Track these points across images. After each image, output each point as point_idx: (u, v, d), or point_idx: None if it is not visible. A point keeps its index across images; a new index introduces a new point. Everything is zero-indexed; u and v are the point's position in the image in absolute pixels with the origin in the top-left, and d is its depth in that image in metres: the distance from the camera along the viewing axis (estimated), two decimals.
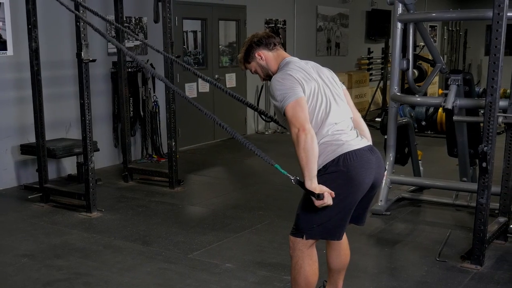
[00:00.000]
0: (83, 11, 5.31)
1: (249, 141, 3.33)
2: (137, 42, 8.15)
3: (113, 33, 7.52)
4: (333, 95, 3.25)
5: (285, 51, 3.50)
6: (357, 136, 3.24)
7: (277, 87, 3.14)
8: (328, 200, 3.02)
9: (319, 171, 3.10)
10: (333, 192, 3.04)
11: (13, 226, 5.49)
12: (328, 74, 3.36)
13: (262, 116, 4.29)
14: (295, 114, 3.03)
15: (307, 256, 3.22)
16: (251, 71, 3.48)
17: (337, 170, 3.09)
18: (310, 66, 3.32)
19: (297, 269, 3.24)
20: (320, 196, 3.01)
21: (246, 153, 9.02)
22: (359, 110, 3.68)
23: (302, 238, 3.19)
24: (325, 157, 3.11)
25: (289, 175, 3.09)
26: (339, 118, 3.19)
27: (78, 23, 5.46)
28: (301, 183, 3.06)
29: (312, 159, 2.99)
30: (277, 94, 3.11)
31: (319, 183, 3.05)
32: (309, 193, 3.04)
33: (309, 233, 3.18)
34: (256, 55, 3.39)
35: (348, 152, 3.11)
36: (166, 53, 5.34)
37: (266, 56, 3.38)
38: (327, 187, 3.05)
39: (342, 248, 3.49)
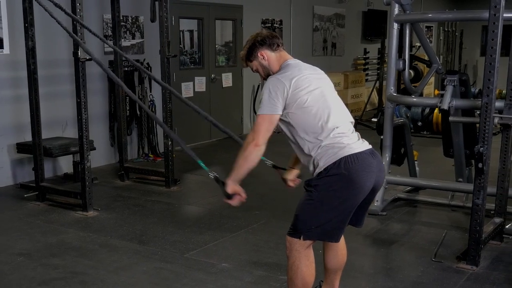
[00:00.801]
0: (80, 16, 5.32)
1: (178, 136, 3.50)
2: (134, 41, 8.15)
3: (110, 32, 7.51)
4: (333, 99, 3.26)
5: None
6: (359, 139, 3.24)
7: (266, 91, 3.19)
8: (235, 202, 3.24)
9: (320, 173, 3.11)
10: (244, 197, 3.23)
11: (9, 224, 5.48)
12: (325, 78, 3.36)
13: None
14: (261, 125, 3.16)
15: (304, 256, 3.22)
16: (252, 69, 3.48)
17: (338, 173, 3.09)
18: (311, 70, 3.33)
19: (294, 270, 3.24)
20: (230, 196, 3.21)
21: None
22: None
23: (300, 238, 3.19)
24: (326, 160, 3.11)
25: (209, 172, 3.36)
26: (339, 121, 3.20)
27: (74, 22, 5.45)
28: (219, 181, 3.28)
29: (246, 168, 3.16)
30: (263, 98, 3.18)
31: (319, 185, 3.08)
32: (223, 191, 3.21)
33: (307, 234, 3.18)
34: (259, 54, 3.38)
35: (349, 155, 3.11)
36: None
37: (268, 56, 3.38)
38: (327, 189, 3.07)
39: (339, 249, 3.50)
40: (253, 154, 3.12)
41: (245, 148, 3.14)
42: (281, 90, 3.14)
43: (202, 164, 3.39)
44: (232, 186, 3.20)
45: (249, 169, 3.16)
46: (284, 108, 3.16)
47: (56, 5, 5.02)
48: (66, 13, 5.18)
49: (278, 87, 3.15)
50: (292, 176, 3.63)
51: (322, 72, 3.42)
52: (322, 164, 3.11)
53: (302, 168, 3.48)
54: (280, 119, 3.20)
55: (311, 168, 3.19)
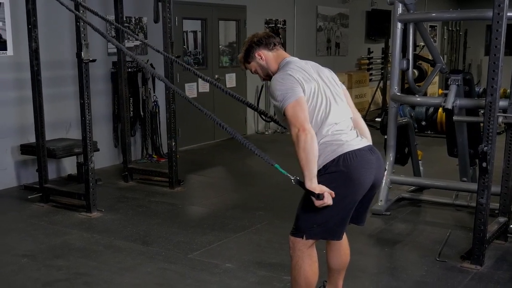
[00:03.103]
0: (83, 11, 5.31)
1: (249, 141, 3.34)
2: (137, 42, 8.15)
3: (113, 33, 7.51)
4: (333, 95, 3.25)
5: (285, 51, 3.50)
6: (357, 136, 3.24)
7: (277, 87, 3.14)
8: (328, 200, 3.02)
9: (319, 171, 3.10)
10: (333, 192, 3.04)
11: (13, 226, 5.49)
12: (328, 74, 3.35)
13: (262, 116, 4.30)
14: (295, 114, 3.04)
15: (307, 256, 3.22)
16: (251, 71, 3.48)
17: (337, 170, 3.08)
18: (310, 66, 3.32)
19: (297, 269, 3.24)
20: (320, 196, 3.01)
21: (246, 153, 9.00)
22: (359, 110, 3.69)
23: (302, 238, 3.19)
24: (325, 157, 3.11)
25: (289, 175, 3.10)
26: (339, 118, 3.19)
27: (78, 23, 5.46)
28: (301, 183, 3.06)
29: (312, 159, 3.00)
30: (277, 94, 3.11)
31: (319, 183, 3.05)
32: (309, 193, 3.04)
33: (309, 233, 3.18)
34: (256, 55, 3.39)
35: (348, 152, 3.11)
36: (166, 53, 5.34)
37: (266, 56, 3.38)
38: (327, 187, 3.05)
39: (342, 248, 3.49)
40: (307, 141, 2.97)
41: (297, 142, 2.99)
42: (291, 79, 3.14)
43: (279, 168, 3.16)
44: (315, 186, 3.02)
45: (315, 157, 3.00)
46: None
47: (91, 10, 4.93)
48: (72, 13, 5.17)
49: (287, 79, 3.15)
50: None
51: (323, 67, 3.40)
52: (321, 162, 3.11)
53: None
54: (284, 115, 3.17)
55: None
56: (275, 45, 3.40)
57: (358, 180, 3.10)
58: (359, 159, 3.11)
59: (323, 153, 3.11)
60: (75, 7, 5.31)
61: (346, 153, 3.10)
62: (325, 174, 3.10)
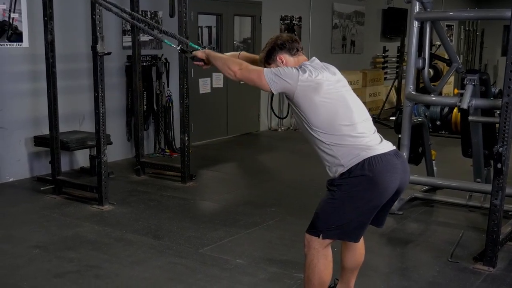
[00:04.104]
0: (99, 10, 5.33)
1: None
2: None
3: (128, 27, 7.52)
4: (353, 98, 3.23)
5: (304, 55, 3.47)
6: (382, 141, 3.20)
7: (287, 67, 3.24)
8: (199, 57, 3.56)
9: (342, 174, 3.08)
10: (204, 54, 3.53)
11: (25, 217, 5.51)
12: (343, 77, 3.33)
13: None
14: (254, 75, 3.21)
15: (322, 255, 3.19)
16: None
17: (362, 174, 3.05)
18: (331, 69, 3.29)
19: (311, 268, 3.22)
20: (194, 59, 3.60)
21: (259, 150, 9.01)
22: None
23: (318, 237, 3.17)
24: (349, 161, 3.08)
25: (174, 46, 3.78)
26: (361, 121, 3.16)
27: (94, 16, 5.46)
28: (184, 51, 3.77)
29: (218, 64, 3.42)
30: (279, 69, 3.19)
31: (343, 184, 3.07)
32: (190, 57, 3.66)
33: (327, 233, 3.15)
34: (278, 58, 3.35)
35: (373, 156, 3.07)
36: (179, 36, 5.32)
37: (287, 61, 3.34)
38: (351, 190, 3.05)
39: (358, 248, 3.47)
40: (227, 70, 3.30)
41: (233, 65, 3.29)
42: (309, 70, 3.15)
43: (168, 42, 3.91)
44: (201, 53, 3.56)
45: (218, 66, 3.40)
46: (302, 104, 3.12)
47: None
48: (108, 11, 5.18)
49: (301, 68, 3.17)
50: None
51: (337, 70, 3.39)
52: (345, 165, 3.08)
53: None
54: (302, 117, 3.15)
55: (333, 167, 3.14)
56: (298, 50, 3.37)
57: (383, 184, 3.07)
58: (384, 163, 3.08)
59: (347, 156, 3.08)
60: (91, 6, 5.32)
61: (371, 157, 3.07)
62: (350, 177, 3.07)
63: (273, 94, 3.17)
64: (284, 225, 5.34)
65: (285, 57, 3.35)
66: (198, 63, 3.64)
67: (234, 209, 5.85)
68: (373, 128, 3.25)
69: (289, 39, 3.39)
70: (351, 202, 3.09)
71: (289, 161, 7.49)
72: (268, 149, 8.96)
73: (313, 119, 3.13)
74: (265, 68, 3.21)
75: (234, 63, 3.29)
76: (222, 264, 4.41)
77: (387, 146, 3.18)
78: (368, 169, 3.05)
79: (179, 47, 3.81)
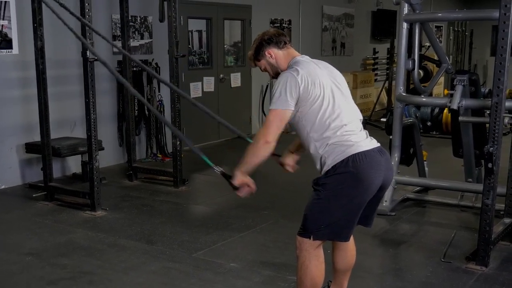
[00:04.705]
0: (88, 16, 5.33)
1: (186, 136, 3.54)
2: (142, 42, 8.16)
3: (118, 32, 7.52)
4: (344, 96, 3.24)
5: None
6: (367, 137, 3.22)
7: (280, 84, 3.15)
8: (243, 194, 3.23)
9: (328, 171, 3.10)
10: (253, 188, 3.22)
11: (18, 224, 5.50)
12: (337, 74, 3.35)
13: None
14: (272, 122, 3.12)
15: (314, 256, 3.21)
16: (260, 68, 3.47)
17: (346, 171, 3.07)
18: (321, 66, 3.31)
19: (303, 270, 3.23)
20: (236, 188, 3.20)
21: None
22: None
23: (309, 238, 3.18)
24: (334, 158, 3.10)
25: (213, 166, 3.37)
26: (348, 119, 3.18)
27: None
28: (225, 175, 3.27)
29: (254, 163, 3.17)
30: (276, 92, 3.14)
31: (327, 183, 3.08)
32: (230, 183, 3.22)
33: (317, 233, 3.17)
34: (266, 53, 3.37)
35: (357, 153, 3.09)
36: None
37: (276, 55, 3.36)
38: (336, 188, 3.07)
39: (349, 249, 3.48)
40: (262, 150, 3.12)
41: (255, 144, 3.14)
42: (294, 85, 3.11)
43: (207, 160, 3.42)
44: (239, 177, 3.20)
45: (256, 164, 3.16)
46: (296, 104, 3.13)
47: (62, 5, 5.03)
48: (73, 15, 5.19)
49: (290, 83, 3.12)
50: (290, 160, 3.64)
51: (333, 67, 3.40)
52: (330, 162, 3.10)
53: (305, 156, 3.45)
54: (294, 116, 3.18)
55: (318, 166, 3.17)
56: (285, 43, 3.38)
57: (367, 181, 3.09)
58: (368, 160, 3.10)
59: (332, 153, 3.11)
60: (80, 11, 5.32)
61: (355, 154, 3.09)
62: (334, 174, 3.09)
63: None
64: (277, 228, 5.35)
65: (273, 51, 3.37)
66: (243, 193, 3.25)
67: (227, 212, 5.86)
68: (360, 125, 3.28)
69: (276, 33, 3.41)
70: (337, 200, 3.11)
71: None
72: None
73: (303, 116, 3.16)
74: (271, 112, 3.16)
75: (255, 141, 3.16)
76: (215, 268, 4.41)
77: (372, 143, 3.21)
78: (352, 166, 3.07)
79: (217, 169, 3.37)
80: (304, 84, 3.11)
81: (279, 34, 3.41)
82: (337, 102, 3.18)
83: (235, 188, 3.21)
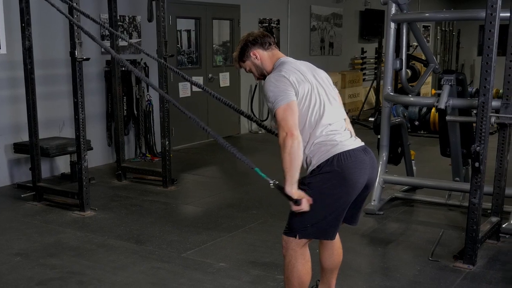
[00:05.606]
0: (76, 15, 5.31)
1: (230, 145, 3.36)
2: (131, 41, 8.14)
3: (107, 32, 7.50)
4: (328, 96, 3.26)
5: (280, 51, 3.50)
6: (351, 137, 3.25)
7: (270, 88, 3.14)
8: (305, 206, 3.06)
9: (313, 171, 3.12)
10: (311, 199, 3.06)
11: (6, 225, 5.47)
12: (322, 75, 3.37)
13: (254, 119, 4.30)
14: (285, 117, 3.04)
15: (300, 255, 3.23)
16: (245, 69, 3.48)
17: (331, 170, 3.09)
18: (305, 67, 3.33)
19: (290, 269, 3.25)
20: (297, 202, 3.05)
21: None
22: (353, 110, 3.70)
23: (295, 237, 3.20)
24: (319, 157, 3.13)
25: (268, 179, 3.12)
26: (333, 119, 3.21)
27: (71, 22, 5.44)
28: (280, 188, 3.08)
29: (296, 164, 3.01)
30: (270, 95, 3.12)
31: (312, 182, 3.08)
32: (287, 198, 3.06)
33: (302, 232, 3.19)
34: (251, 54, 3.39)
35: (342, 152, 3.12)
36: (159, 59, 5.33)
37: (261, 56, 3.38)
38: (321, 187, 3.08)
39: (335, 248, 3.50)
40: (294, 146, 2.99)
41: (283, 146, 3.00)
42: (285, 81, 3.14)
43: (259, 172, 3.19)
44: (295, 191, 3.04)
45: (298, 164, 3.01)
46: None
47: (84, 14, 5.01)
48: (63, 13, 5.18)
49: (281, 80, 3.14)
50: None
51: (317, 67, 3.42)
52: (315, 162, 3.13)
53: None
54: (274, 117, 3.18)
55: (304, 165, 3.19)
56: (270, 44, 3.40)
57: (351, 180, 3.11)
58: (353, 159, 3.12)
59: (317, 153, 3.13)
60: (69, 10, 5.30)
61: (340, 153, 3.11)
62: (319, 174, 3.11)
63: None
64: (266, 228, 5.36)
65: (258, 52, 3.38)
66: (304, 205, 3.08)
67: (216, 212, 5.86)
68: (345, 125, 3.30)
69: (260, 34, 3.43)
70: (322, 199, 3.12)
71: (270, 163, 7.53)
72: (249, 151, 8.95)
73: None
74: (278, 112, 3.08)
75: (283, 147, 3.01)
76: (205, 268, 4.42)
77: (356, 142, 3.23)
78: (337, 165, 3.09)
79: (272, 182, 3.14)
80: (293, 83, 3.14)
81: (264, 35, 3.43)
82: (323, 102, 3.20)
83: (296, 203, 3.05)
